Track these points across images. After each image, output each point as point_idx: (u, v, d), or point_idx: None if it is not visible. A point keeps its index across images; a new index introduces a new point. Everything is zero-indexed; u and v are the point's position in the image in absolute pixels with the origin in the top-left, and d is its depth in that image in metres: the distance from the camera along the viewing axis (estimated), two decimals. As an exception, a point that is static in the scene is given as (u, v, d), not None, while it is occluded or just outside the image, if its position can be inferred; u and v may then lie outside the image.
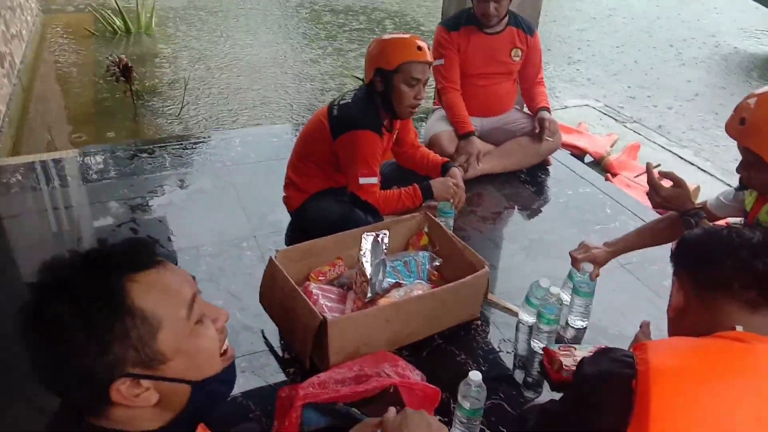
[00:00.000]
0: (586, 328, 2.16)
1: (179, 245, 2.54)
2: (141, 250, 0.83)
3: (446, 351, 2.05)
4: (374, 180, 2.36)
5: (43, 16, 6.38)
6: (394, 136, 2.59)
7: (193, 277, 0.90)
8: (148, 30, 6.28)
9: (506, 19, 3.10)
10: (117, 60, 4.20)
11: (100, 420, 0.82)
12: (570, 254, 2.17)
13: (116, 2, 6.37)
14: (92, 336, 0.75)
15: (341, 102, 2.43)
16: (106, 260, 0.79)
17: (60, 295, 0.76)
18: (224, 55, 5.86)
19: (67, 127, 4.42)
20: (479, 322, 2.18)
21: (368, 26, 6.99)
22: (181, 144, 3.45)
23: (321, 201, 2.47)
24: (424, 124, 3.49)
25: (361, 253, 1.91)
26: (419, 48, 2.29)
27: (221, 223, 2.70)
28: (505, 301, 2.28)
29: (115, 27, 6.17)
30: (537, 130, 3.20)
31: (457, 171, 2.59)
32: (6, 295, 2.23)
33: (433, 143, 3.09)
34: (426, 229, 2.38)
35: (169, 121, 4.37)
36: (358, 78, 5.05)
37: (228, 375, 0.91)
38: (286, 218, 2.66)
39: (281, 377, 1.93)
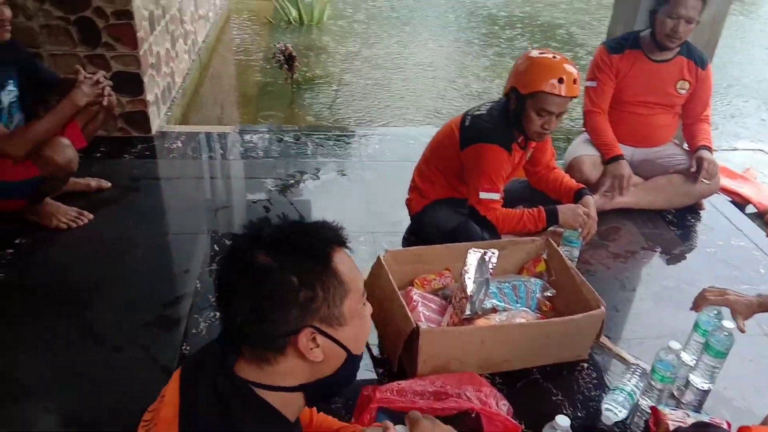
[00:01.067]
0: (708, 392, 1.92)
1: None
2: (340, 232, 0.98)
3: (543, 387, 1.93)
4: (496, 196, 2.28)
5: (230, 1, 6.99)
6: (528, 154, 2.49)
7: None
8: (319, 23, 6.64)
9: (677, 48, 2.85)
10: (283, 48, 4.49)
11: (251, 368, 0.93)
12: (702, 293, 1.83)
13: (296, -6, 6.80)
14: (304, 284, 0.88)
15: (475, 112, 2.38)
16: (318, 230, 0.95)
17: (281, 245, 0.90)
18: (384, 54, 6.02)
19: (231, 105, 4.82)
20: (585, 365, 2.03)
21: (535, 39, 6.81)
22: (325, 135, 3.60)
23: (440, 209, 2.45)
24: (566, 145, 3.32)
25: (465, 269, 1.86)
26: (560, 80, 2.12)
27: (345, 214, 2.78)
28: (619, 348, 2.11)
29: (291, 17, 6.60)
30: (693, 170, 2.91)
31: (591, 200, 2.42)
32: (155, 244, 2.50)
33: (572, 167, 2.93)
34: (545, 256, 2.26)
35: (320, 112, 4.59)
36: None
37: (360, 360, 1.01)
38: (406, 220, 2.67)
39: (369, 375, 1.94)
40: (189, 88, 4.29)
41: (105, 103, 2.44)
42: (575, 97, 2.20)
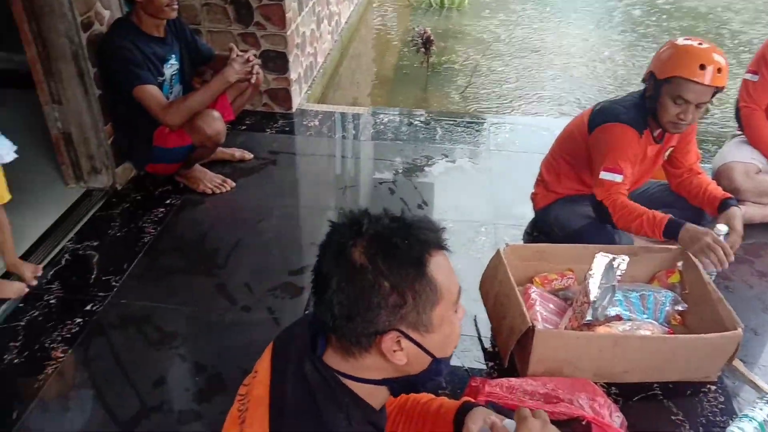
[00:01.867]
0: None
1: (426, 213, 2.70)
2: (441, 233, 0.95)
3: (662, 405, 1.83)
4: (618, 178, 2.08)
5: (374, -17, 7.12)
6: (665, 153, 2.31)
7: None
8: (460, 6, 6.57)
9: None
10: (422, 32, 4.51)
11: (337, 357, 0.94)
12: None
13: (440, -23, 6.77)
14: (395, 288, 0.87)
15: (609, 100, 2.27)
16: (418, 230, 0.92)
17: (378, 245, 0.89)
18: (524, 40, 5.85)
19: (367, 86, 4.93)
20: (713, 387, 1.89)
21: (698, 30, 6.28)
22: (455, 121, 3.59)
23: (566, 206, 2.36)
24: (715, 149, 3.06)
25: (591, 272, 1.79)
26: (702, 67, 1.94)
27: (467, 203, 2.78)
28: (754, 374, 1.93)
29: (432, 0, 6.59)
30: None
31: (737, 212, 2.18)
32: (287, 215, 2.66)
33: (720, 174, 2.68)
34: (680, 267, 2.12)
35: (452, 97, 4.57)
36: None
37: (448, 362, 1.00)
38: (530, 214, 2.61)
39: (479, 366, 1.95)
40: (329, 68, 4.46)
41: (253, 81, 2.62)
42: (719, 88, 2.00)
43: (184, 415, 1.76)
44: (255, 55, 2.62)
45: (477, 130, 3.48)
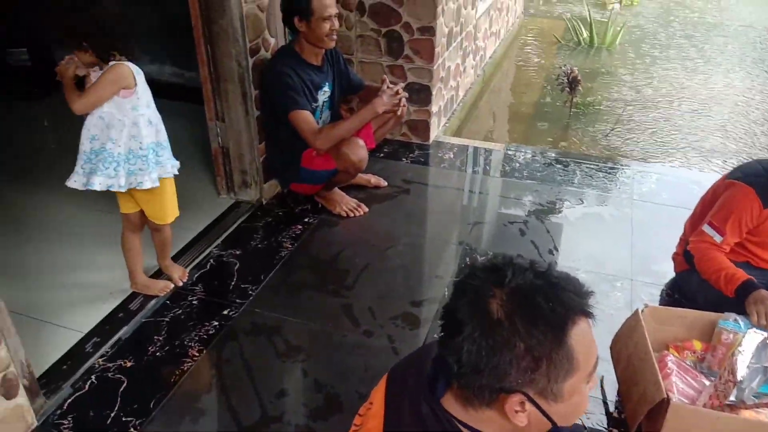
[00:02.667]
0: None
1: (556, 260, 2.61)
2: (588, 298, 0.89)
3: None
4: (717, 238, 2.01)
5: (522, 18, 7.09)
6: None
7: None
8: (611, 46, 6.35)
9: None
10: (569, 71, 4.41)
11: (456, 403, 0.92)
12: None
13: (589, 15, 6.61)
14: (530, 351, 0.82)
15: (758, 159, 2.10)
16: (563, 292, 0.86)
17: (519, 302, 0.84)
18: (674, 84, 5.52)
19: (505, 121, 4.90)
20: None
21: None
22: (597, 165, 3.45)
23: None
24: None
25: (740, 348, 1.63)
26: None
27: (603, 253, 2.65)
28: None
29: (581, 38, 6.44)
30: None
31: None
32: (414, 244, 2.70)
33: None
34: None
35: (595, 140, 4.41)
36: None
37: (569, 429, 0.95)
38: (671, 272, 2.44)
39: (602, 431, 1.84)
40: (468, 101, 4.49)
41: (399, 113, 2.71)
42: None
43: (300, 429, 1.83)
44: (403, 89, 2.71)
45: (620, 177, 3.32)
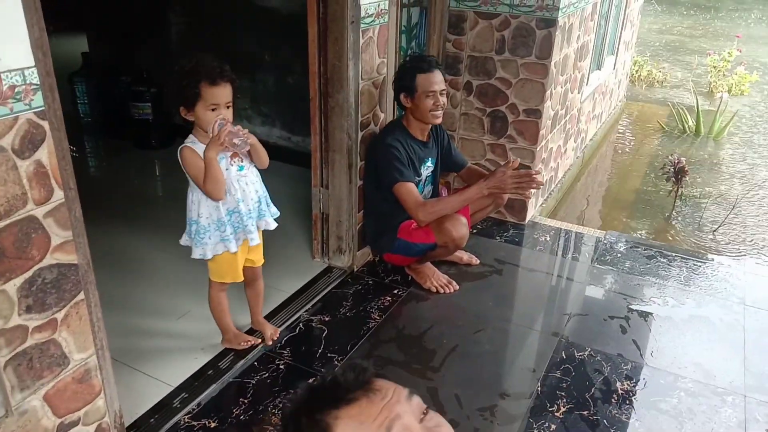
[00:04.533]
0: None
1: (656, 364, 2.43)
2: (349, 381, 0.82)
3: None
4: None
5: (624, 102, 6.97)
6: None
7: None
8: (718, 136, 6.10)
9: None
10: (676, 161, 4.25)
11: None
12: None
13: (696, 103, 6.40)
14: None
15: None
16: (319, 395, 0.83)
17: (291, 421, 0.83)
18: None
19: (603, 206, 4.75)
20: None
21: None
22: (704, 261, 3.25)
23: None
24: None
25: None
26: None
27: (713, 363, 2.44)
28: None
29: (686, 126, 6.22)
30: None
31: None
32: (505, 330, 2.60)
33: None
34: None
35: (700, 234, 4.17)
36: None
37: None
38: (795, 396, 2.21)
39: None
40: (566, 183, 4.40)
41: (529, 195, 2.74)
42: None
43: None
44: (537, 172, 2.70)
45: (729, 278, 3.10)
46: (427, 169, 2.78)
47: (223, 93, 1.95)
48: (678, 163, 4.22)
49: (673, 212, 4.39)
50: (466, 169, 2.95)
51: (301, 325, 2.57)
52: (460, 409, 2.16)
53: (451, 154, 2.91)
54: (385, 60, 2.72)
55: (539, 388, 2.27)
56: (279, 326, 2.51)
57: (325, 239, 2.94)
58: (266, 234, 2.29)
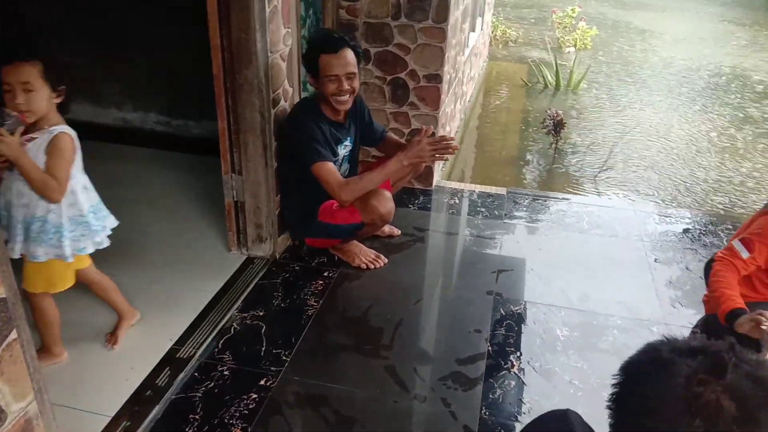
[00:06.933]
0: None
1: (585, 308, 2.57)
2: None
3: None
4: (745, 253, 1.99)
5: (488, 62, 7.27)
6: None
7: None
8: (576, 88, 6.57)
9: None
10: (554, 114, 4.50)
11: None
12: None
13: (555, 59, 6.84)
14: None
15: None
16: None
17: (745, 398, 0.80)
18: (641, 124, 5.74)
19: (492, 165, 4.93)
20: None
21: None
22: (601, 206, 3.49)
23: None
24: None
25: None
26: None
27: (631, 298, 2.64)
28: None
29: (547, 81, 6.63)
30: None
31: None
32: (443, 297, 2.61)
33: None
34: None
35: (582, 182, 4.48)
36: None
37: None
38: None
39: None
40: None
41: (446, 159, 2.62)
42: None
43: None
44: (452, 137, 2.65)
45: (624, 217, 3.36)
46: (345, 148, 2.66)
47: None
48: (556, 116, 4.48)
49: (555, 164, 4.67)
50: (383, 142, 2.87)
51: (235, 324, 2.38)
52: (423, 382, 2.13)
53: (372, 128, 2.81)
54: (290, 30, 2.54)
55: (490, 348, 2.31)
56: (212, 331, 2.31)
57: (242, 229, 2.73)
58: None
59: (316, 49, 2.43)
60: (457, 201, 3.49)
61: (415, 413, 2.01)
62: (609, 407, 0.90)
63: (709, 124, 5.82)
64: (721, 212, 4.14)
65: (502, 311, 2.54)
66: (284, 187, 2.68)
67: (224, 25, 2.26)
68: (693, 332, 2.44)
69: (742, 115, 6.14)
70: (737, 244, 2.07)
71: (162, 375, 2.08)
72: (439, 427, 1.96)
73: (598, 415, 0.95)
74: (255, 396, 2.03)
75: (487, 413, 2.00)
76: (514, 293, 2.67)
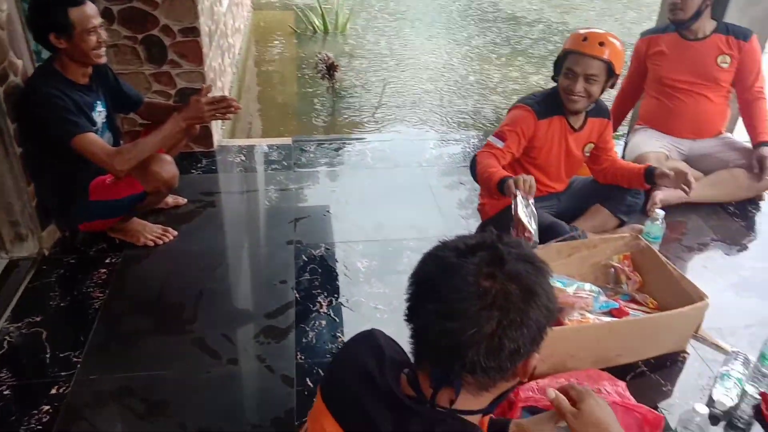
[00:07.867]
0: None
1: (380, 236, 2.70)
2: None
3: (652, 379, 1.97)
4: (499, 143, 2.35)
5: (253, 12, 7.03)
6: (586, 147, 2.54)
7: None
8: (343, 30, 6.68)
9: (710, 26, 2.94)
10: (325, 58, 4.53)
11: (464, 399, 0.91)
12: None
13: (319, 3, 6.84)
14: (547, 320, 0.88)
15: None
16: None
17: (522, 281, 0.87)
18: (408, 58, 6.07)
19: (274, 116, 4.85)
20: (686, 356, 2.08)
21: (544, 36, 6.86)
22: (383, 141, 3.64)
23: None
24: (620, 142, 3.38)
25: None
26: (585, 39, 2.26)
27: (419, 220, 2.83)
28: (716, 338, 2.15)
29: (315, 26, 6.64)
30: (756, 170, 2.94)
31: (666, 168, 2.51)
32: (243, 256, 2.54)
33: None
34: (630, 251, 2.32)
35: (364, 119, 4.63)
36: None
37: None
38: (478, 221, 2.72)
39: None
40: (234, 101, 4.33)
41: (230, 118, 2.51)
42: (608, 63, 2.26)
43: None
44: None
45: (403, 148, 3.55)
46: (99, 114, 2.40)
47: None
48: (327, 59, 4.52)
49: (335, 105, 4.75)
50: (144, 105, 2.64)
51: (7, 338, 2.08)
52: (234, 346, 2.09)
53: (123, 92, 2.55)
54: (-1, -9, 2.17)
55: (297, 296, 2.32)
56: (-21, 350, 1.99)
57: (-6, 231, 2.36)
58: None
59: (62, 3, 2.14)
60: (244, 158, 3.39)
61: (230, 377, 1.97)
62: (407, 319, 0.92)
63: (471, 52, 6.33)
64: (488, 127, 4.58)
65: (305, 257, 2.56)
66: (37, 173, 2.36)
67: None
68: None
69: (501, 41, 6.77)
70: (492, 138, 2.40)
71: None
72: (258, 383, 1.95)
73: (401, 331, 0.98)
74: (47, 407, 1.82)
75: (303, 357, 2.03)
76: (313, 238, 2.70)
